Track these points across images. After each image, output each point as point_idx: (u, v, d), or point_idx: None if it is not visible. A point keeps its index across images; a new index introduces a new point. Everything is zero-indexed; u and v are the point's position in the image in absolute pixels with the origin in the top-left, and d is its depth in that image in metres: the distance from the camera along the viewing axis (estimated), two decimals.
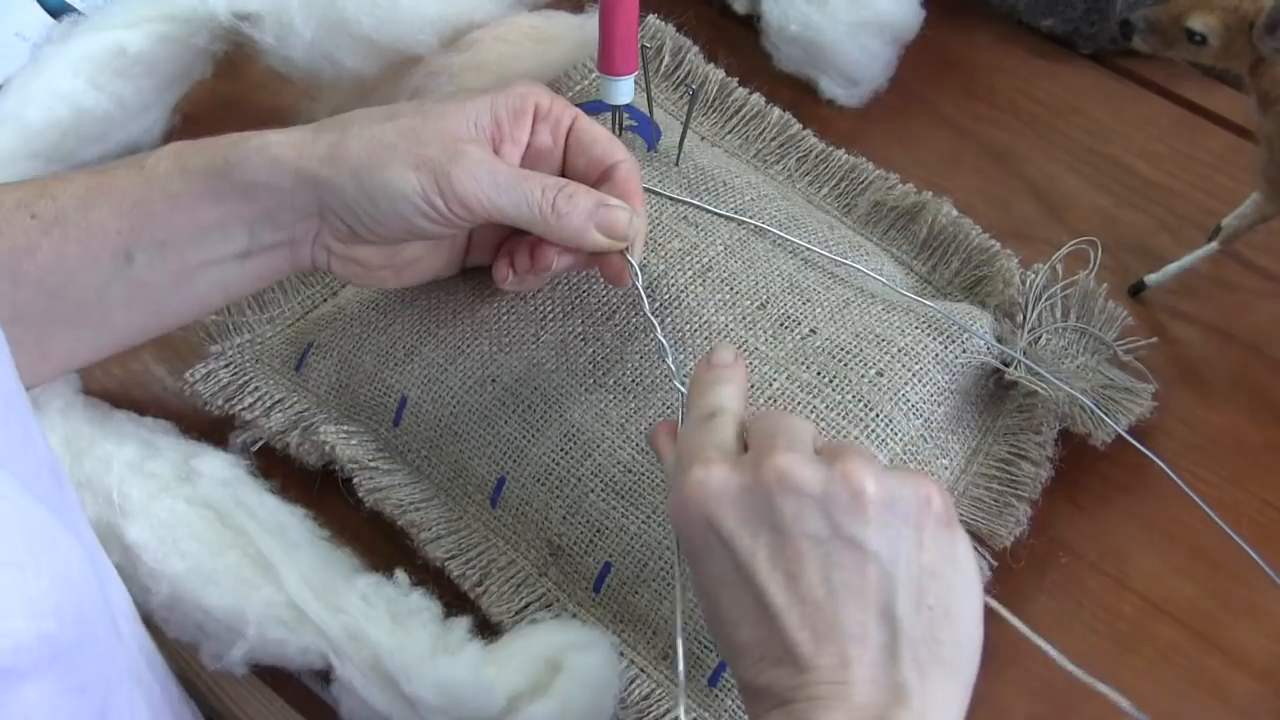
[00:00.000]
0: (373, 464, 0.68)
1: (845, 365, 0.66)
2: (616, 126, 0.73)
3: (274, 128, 0.63)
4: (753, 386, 0.65)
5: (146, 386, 0.73)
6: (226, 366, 0.71)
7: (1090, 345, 0.71)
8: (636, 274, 0.63)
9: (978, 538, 0.66)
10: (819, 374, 0.66)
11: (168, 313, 0.64)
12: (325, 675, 0.61)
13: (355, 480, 0.67)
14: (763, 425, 0.52)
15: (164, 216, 0.61)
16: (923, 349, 0.67)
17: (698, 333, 0.67)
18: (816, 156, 0.79)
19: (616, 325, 0.68)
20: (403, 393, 0.69)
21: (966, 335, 0.68)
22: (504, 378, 0.67)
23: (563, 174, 0.65)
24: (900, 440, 0.65)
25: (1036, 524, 0.66)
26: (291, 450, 0.69)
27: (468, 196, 0.60)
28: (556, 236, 0.62)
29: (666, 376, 0.65)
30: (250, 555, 0.62)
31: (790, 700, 0.47)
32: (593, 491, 0.64)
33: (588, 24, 0.78)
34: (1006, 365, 0.68)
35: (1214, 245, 0.73)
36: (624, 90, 0.71)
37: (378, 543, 0.66)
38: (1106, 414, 0.67)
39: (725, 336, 0.67)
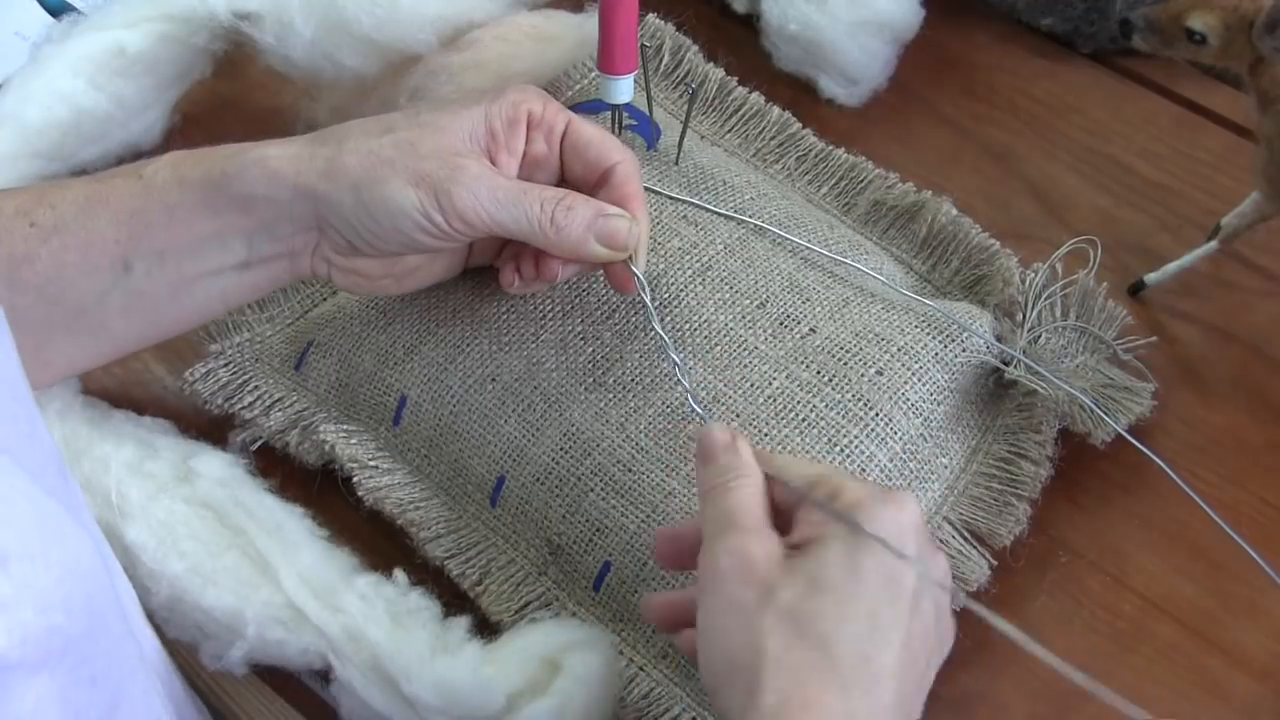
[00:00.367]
0: (372, 463, 0.68)
1: (845, 364, 0.66)
2: (616, 126, 0.73)
3: (274, 127, 0.63)
4: (752, 385, 0.65)
5: (146, 386, 0.73)
6: (226, 366, 0.71)
7: (1090, 344, 0.71)
8: (643, 286, 0.63)
9: (978, 537, 0.66)
10: (819, 373, 0.66)
11: (167, 321, 0.64)
12: (325, 675, 0.61)
13: (355, 479, 0.67)
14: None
15: (162, 227, 0.61)
16: (922, 348, 0.67)
17: (697, 332, 0.67)
18: (816, 156, 0.79)
19: (616, 324, 0.68)
20: (402, 392, 0.69)
21: (966, 334, 0.68)
22: (504, 377, 0.67)
23: (562, 179, 0.65)
24: (900, 439, 0.65)
25: (1036, 523, 0.66)
26: (291, 449, 0.69)
27: (467, 212, 0.60)
28: (556, 249, 0.62)
29: (668, 377, 0.65)
30: (249, 555, 0.62)
31: None
32: (592, 490, 0.64)
33: (587, 23, 0.78)
34: (1006, 364, 0.68)
35: (1214, 244, 0.73)
36: (624, 89, 0.71)
37: (377, 542, 0.66)
38: (1106, 413, 0.67)
39: (725, 335, 0.67)
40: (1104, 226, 0.78)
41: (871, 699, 0.48)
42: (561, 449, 0.65)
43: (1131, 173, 0.82)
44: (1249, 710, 0.63)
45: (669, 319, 0.67)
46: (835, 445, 0.64)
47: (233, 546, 0.62)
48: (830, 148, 0.79)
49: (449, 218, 0.60)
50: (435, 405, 0.68)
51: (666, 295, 0.68)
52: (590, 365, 0.67)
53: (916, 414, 0.66)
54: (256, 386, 0.71)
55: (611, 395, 0.66)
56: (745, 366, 0.66)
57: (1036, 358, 0.68)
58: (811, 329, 0.67)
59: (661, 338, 0.63)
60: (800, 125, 0.80)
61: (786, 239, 0.71)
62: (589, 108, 0.74)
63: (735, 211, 0.71)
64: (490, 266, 0.68)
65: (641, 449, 0.64)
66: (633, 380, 0.66)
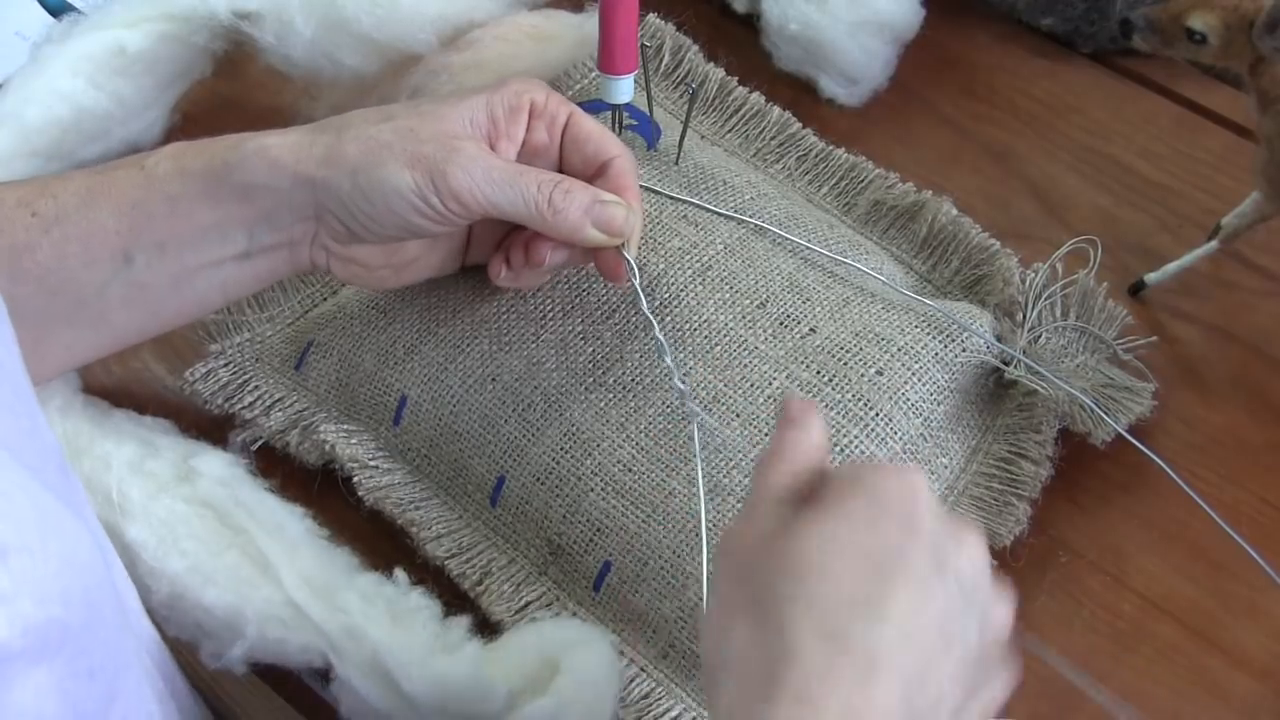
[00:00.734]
0: (372, 463, 0.68)
1: (845, 364, 0.66)
2: (616, 125, 0.73)
3: (274, 126, 0.63)
4: (752, 385, 0.65)
5: (146, 385, 0.73)
6: (226, 365, 0.71)
7: (1090, 344, 0.71)
8: (633, 270, 0.63)
9: None
10: (819, 373, 0.66)
11: (167, 313, 0.64)
12: (325, 674, 0.61)
13: (355, 479, 0.67)
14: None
15: (163, 218, 0.61)
16: (922, 348, 0.67)
17: (697, 331, 0.67)
18: (816, 155, 0.79)
19: (616, 324, 0.68)
20: (402, 391, 0.68)
21: (966, 334, 0.68)
22: (504, 376, 0.67)
23: (559, 170, 0.65)
24: (900, 439, 0.65)
25: (1036, 523, 0.66)
26: (291, 449, 0.69)
27: (462, 192, 0.60)
28: (553, 232, 0.62)
29: (666, 375, 0.65)
30: (249, 554, 0.62)
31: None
32: (593, 490, 0.64)
33: (587, 23, 0.78)
34: (1006, 364, 0.68)
35: (1214, 244, 0.73)
36: (624, 89, 0.71)
37: (377, 542, 0.66)
38: (1106, 413, 0.67)
39: (725, 335, 0.67)
40: (1104, 226, 0.78)
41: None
42: (562, 449, 0.65)
43: (1132, 173, 0.82)
44: (1249, 710, 0.63)
45: (669, 319, 0.67)
46: (835, 445, 0.64)
47: (233, 545, 0.62)
48: (830, 148, 0.79)
49: (444, 198, 0.60)
50: (435, 405, 0.68)
51: (666, 295, 0.68)
52: (590, 365, 0.67)
53: (916, 414, 0.66)
54: (257, 386, 0.71)
55: (612, 395, 0.66)
56: (745, 366, 0.66)
57: (1036, 358, 0.68)
58: (811, 329, 0.67)
59: (648, 319, 0.63)
60: (800, 125, 0.80)
61: (787, 239, 0.71)
62: (589, 108, 0.74)
63: (735, 211, 0.71)
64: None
65: (642, 449, 0.64)
66: (633, 380, 0.66)
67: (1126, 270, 0.76)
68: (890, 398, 0.65)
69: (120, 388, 0.72)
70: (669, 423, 0.65)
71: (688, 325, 0.67)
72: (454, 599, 0.64)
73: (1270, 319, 0.75)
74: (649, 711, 0.61)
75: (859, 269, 0.70)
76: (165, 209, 0.61)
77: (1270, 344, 0.74)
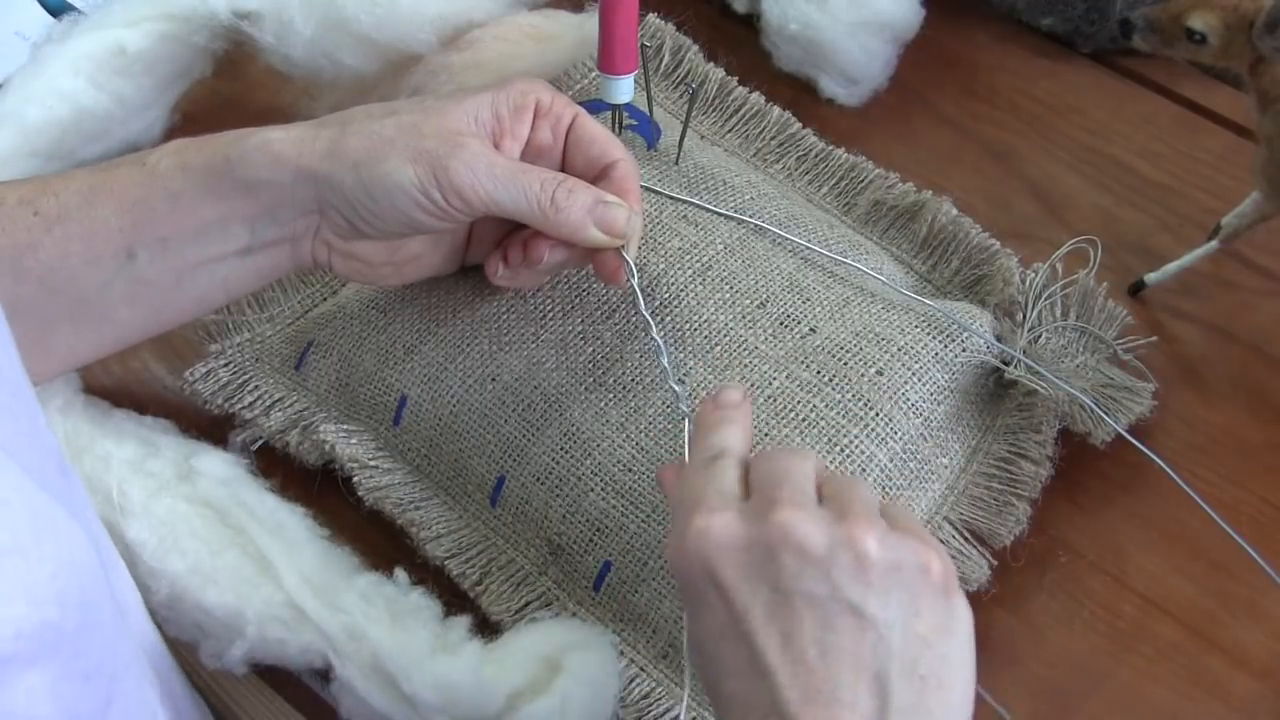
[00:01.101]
0: (372, 463, 0.68)
1: (845, 364, 0.66)
2: (616, 125, 0.73)
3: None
4: (752, 385, 0.65)
5: (146, 385, 0.73)
6: (226, 365, 0.72)
7: (1090, 344, 0.71)
8: (632, 272, 0.63)
9: (978, 537, 0.66)
10: (819, 373, 0.66)
11: (170, 310, 0.64)
12: (325, 674, 0.61)
13: (355, 479, 0.67)
14: (766, 470, 0.52)
15: (165, 214, 0.61)
16: (922, 348, 0.67)
17: (697, 331, 0.67)
18: (816, 155, 0.79)
19: (616, 324, 0.68)
20: (402, 391, 0.69)
21: (966, 334, 0.68)
22: (504, 376, 0.67)
23: (561, 171, 0.65)
24: (900, 439, 0.65)
25: (1036, 523, 0.66)
26: (291, 449, 0.69)
27: (464, 189, 0.60)
28: (554, 231, 0.62)
29: (663, 376, 0.65)
30: (250, 554, 0.62)
31: None
32: (592, 490, 0.64)
33: (587, 23, 0.78)
34: (1006, 364, 0.68)
35: (1214, 244, 0.73)
36: (624, 89, 0.71)
37: (377, 541, 0.66)
38: (1106, 413, 0.67)
39: (725, 335, 0.67)
40: (1104, 226, 0.78)
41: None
42: (561, 449, 0.65)
43: (1132, 172, 0.82)
44: (1249, 710, 0.63)
45: (669, 319, 0.67)
46: (835, 445, 0.64)
47: (233, 545, 0.62)
48: (830, 148, 0.79)
49: (446, 194, 0.60)
50: (435, 405, 0.68)
51: (666, 295, 0.68)
52: (590, 365, 0.67)
53: (916, 414, 0.66)
54: (257, 386, 0.71)
55: (612, 395, 0.66)
56: (745, 366, 0.66)
57: (1036, 358, 0.68)
58: (811, 329, 0.67)
59: (645, 319, 0.63)
60: (800, 125, 0.80)
61: (786, 239, 0.71)
62: (589, 108, 0.74)
63: (735, 211, 0.71)
64: None
65: (642, 449, 0.64)
66: (633, 380, 0.66)
67: (1126, 270, 0.76)
68: (890, 398, 0.65)
69: (120, 387, 0.72)
70: (669, 423, 0.65)
71: (688, 325, 0.67)
72: (454, 599, 0.64)
73: (1270, 319, 0.75)
74: (649, 711, 0.61)
75: (859, 269, 0.70)
76: (167, 205, 0.61)
77: (1270, 344, 0.74)
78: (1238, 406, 0.72)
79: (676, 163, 0.74)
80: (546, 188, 0.61)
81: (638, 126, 0.74)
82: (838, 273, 0.70)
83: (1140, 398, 0.69)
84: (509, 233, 0.66)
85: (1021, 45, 0.89)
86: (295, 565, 0.61)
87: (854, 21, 0.82)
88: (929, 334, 0.68)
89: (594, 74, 0.78)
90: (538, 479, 0.65)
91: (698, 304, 0.68)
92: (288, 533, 0.63)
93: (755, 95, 0.81)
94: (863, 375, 0.66)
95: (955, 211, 0.74)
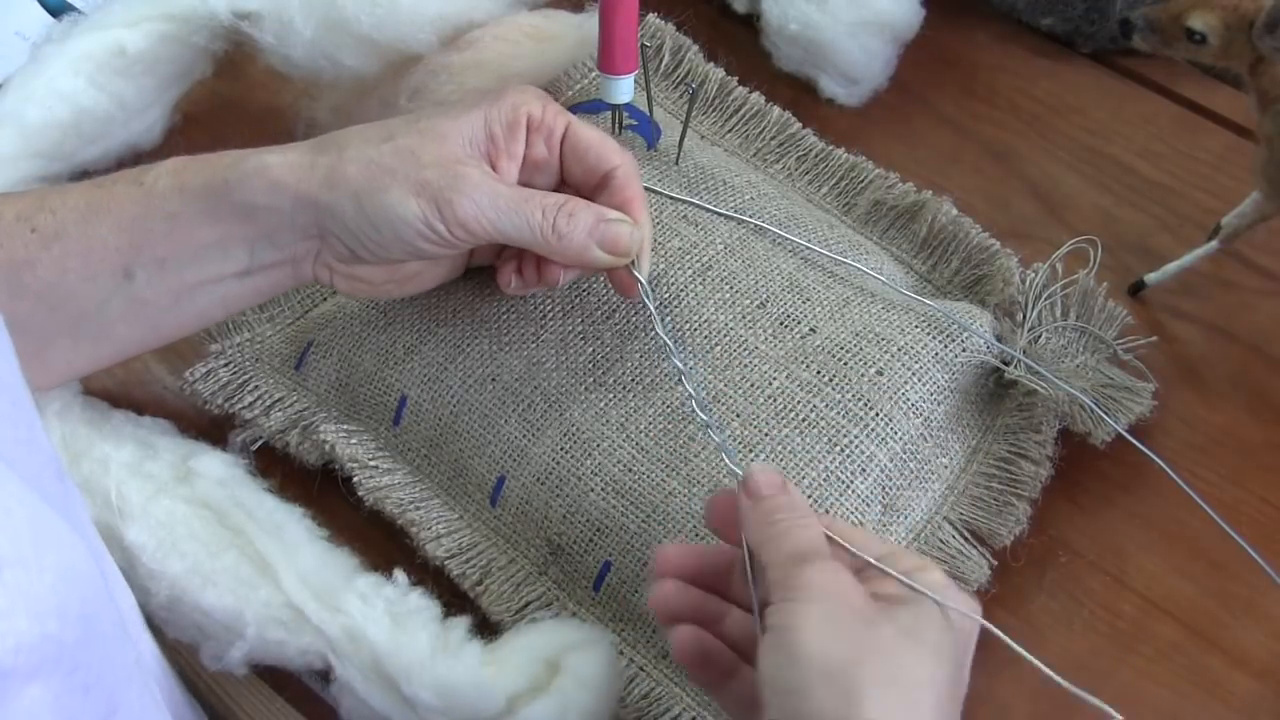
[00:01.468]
0: (372, 463, 0.68)
1: (845, 364, 0.66)
2: (616, 125, 0.73)
3: (274, 126, 0.63)
4: (752, 385, 0.65)
5: (146, 386, 0.73)
6: (226, 365, 0.72)
7: (1090, 344, 0.71)
8: (647, 292, 0.63)
9: (978, 537, 0.66)
10: (819, 373, 0.66)
11: (168, 327, 0.64)
12: (325, 675, 0.61)
13: (355, 479, 0.67)
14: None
15: (163, 235, 0.60)
16: (922, 348, 0.67)
17: (697, 331, 0.67)
18: (816, 155, 0.79)
19: (616, 324, 0.68)
20: (402, 391, 0.69)
21: (966, 334, 0.68)
22: (504, 376, 0.67)
23: (561, 181, 0.65)
24: (900, 439, 0.65)
25: (1036, 523, 0.66)
26: (291, 449, 0.69)
27: (469, 221, 0.60)
28: (559, 257, 0.62)
29: (669, 377, 0.65)
30: (249, 555, 0.62)
31: None
32: (593, 490, 0.64)
33: (587, 23, 0.78)
34: (1006, 364, 0.68)
35: (1214, 244, 0.73)
36: (624, 89, 0.71)
37: (377, 542, 0.66)
38: (1106, 413, 0.67)
39: (725, 335, 0.67)
40: (1104, 226, 0.78)
41: None
42: (562, 449, 0.65)
43: (1132, 173, 0.82)
44: (1249, 710, 0.63)
45: (669, 319, 0.67)
46: (835, 445, 0.64)
47: (232, 547, 0.62)
48: (830, 148, 0.79)
49: (451, 226, 0.60)
50: (435, 405, 0.68)
51: (666, 295, 0.68)
52: (590, 365, 0.67)
53: (917, 414, 0.66)
54: (256, 386, 0.71)
55: (612, 395, 0.66)
56: (745, 366, 0.66)
57: (1036, 358, 0.68)
58: (812, 329, 0.67)
59: (666, 344, 0.63)
60: (800, 125, 0.80)
61: (787, 239, 0.71)
62: (589, 108, 0.74)
63: (735, 211, 0.71)
64: (491, 267, 0.68)
65: (642, 449, 0.64)
66: (633, 380, 0.66)
67: (1126, 270, 0.76)
68: (890, 398, 0.65)
69: (120, 388, 0.72)
70: (669, 423, 0.65)
71: (688, 325, 0.67)
72: (454, 599, 0.64)
73: (1270, 319, 0.75)
74: (649, 711, 0.61)
75: (859, 269, 0.70)
76: (165, 226, 0.60)
77: (1270, 344, 0.74)
78: (1238, 406, 0.72)
79: (676, 163, 0.74)
80: (548, 215, 0.61)
81: (638, 126, 0.74)
82: (838, 273, 0.70)
83: (1140, 398, 0.69)
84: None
85: (1021, 45, 0.89)
86: (294, 566, 0.61)
87: (854, 21, 0.82)
88: (929, 334, 0.68)
89: (594, 74, 0.78)
90: (538, 479, 0.65)
91: (698, 304, 0.68)
92: (286, 534, 0.63)
93: (755, 95, 0.81)
94: (863, 375, 0.66)
95: (955, 211, 0.74)
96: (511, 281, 0.65)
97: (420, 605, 0.61)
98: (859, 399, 0.65)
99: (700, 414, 0.60)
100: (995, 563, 0.65)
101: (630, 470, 0.64)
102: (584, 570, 0.65)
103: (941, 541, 0.65)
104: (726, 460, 0.58)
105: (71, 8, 0.88)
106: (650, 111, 0.75)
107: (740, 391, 0.65)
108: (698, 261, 0.69)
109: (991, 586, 0.64)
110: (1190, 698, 0.63)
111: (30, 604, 0.36)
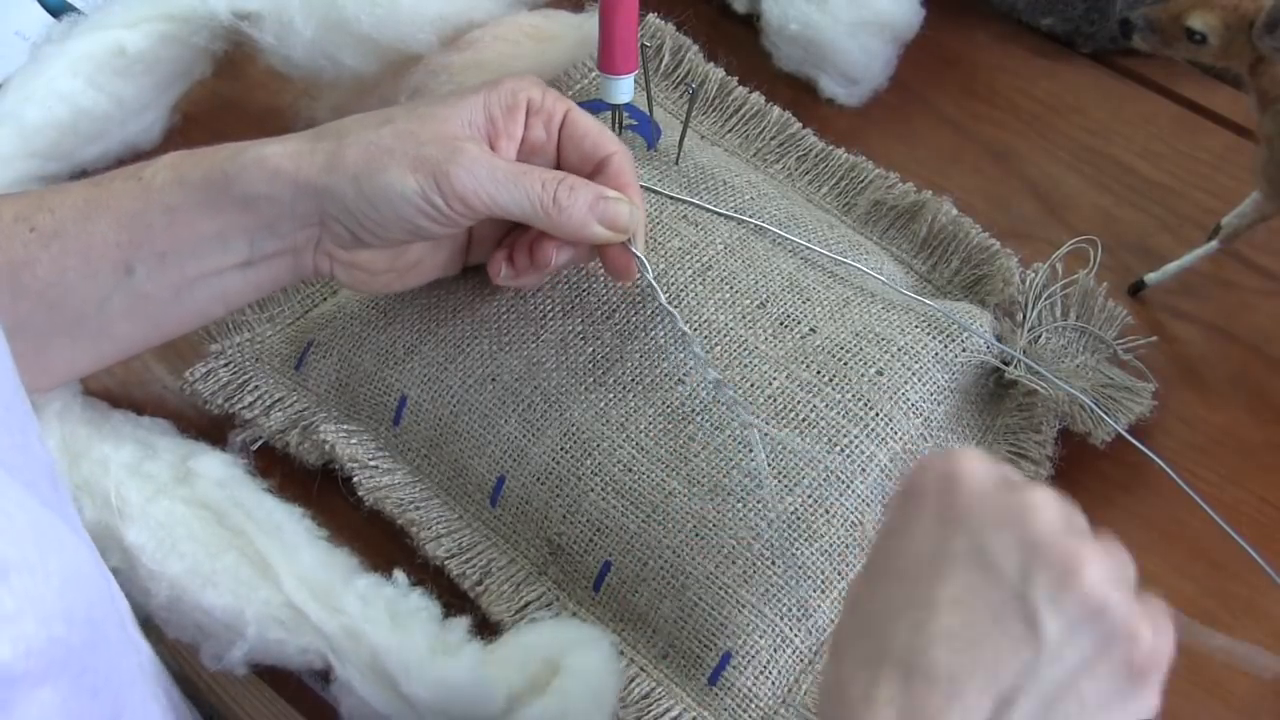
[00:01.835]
0: (372, 463, 0.68)
1: (845, 364, 0.66)
2: (616, 125, 0.73)
3: (274, 127, 0.63)
4: (752, 385, 0.65)
5: (146, 386, 0.73)
6: (226, 365, 0.71)
7: (1090, 344, 0.71)
8: (645, 266, 0.64)
9: None
10: (819, 373, 0.66)
11: (169, 323, 0.64)
12: (325, 675, 0.61)
13: (355, 479, 0.67)
14: None
15: (163, 229, 0.61)
16: (922, 348, 0.67)
17: (698, 331, 0.67)
18: (816, 155, 0.79)
19: (616, 324, 0.68)
20: (402, 391, 0.68)
21: (966, 334, 0.68)
22: (504, 376, 0.67)
23: (557, 167, 0.65)
24: (900, 439, 0.65)
25: None
26: (291, 449, 0.69)
27: (467, 194, 0.60)
28: (558, 230, 0.62)
29: (669, 377, 0.65)
30: (248, 555, 0.62)
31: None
32: (593, 490, 0.64)
33: (587, 23, 0.78)
34: (1006, 364, 0.68)
35: (1214, 244, 0.73)
36: (624, 89, 0.71)
37: (377, 542, 0.66)
38: (1106, 413, 0.67)
39: (725, 335, 0.67)
40: (1104, 226, 0.78)
41: None
42: (561, 449, 0.65)
43: (1132, 173, 0.82)
44: (1249, 710, 0.63)
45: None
46: (835, 445, 0.64)
47: (232, 547, 0.62)
48: (830, 148, 0.79)
49: (449, 200, 0.60)
50: (435, 405, 0.68)
51: (666, 295, 0.68)
52: (590, 365, 0.67)
53: (917, 414, 0.66)
54: (256, 386, 0.71)
55: (612, 395, 0.66)
56: (745, 366, 0.66)
57: (1036, 358, 0.68)
58: (812, 329, 0.67)
59: (668, 310, 0.63)
60: (800, 125, 0.80)
61: (787, 239, 0.71)
62: (589, 108, 0.74)
63: (735, 211, 0.71)
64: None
65: (642, 449, 0.64)
66: (633, 380, 0.66)
67: (1126, 270, 0.76)
68: (890, 398, 0.65)
69: (120, 388, 0.72)
70: (669, 423, 0.65)
71: (688, 325, 0.67)
72: (454, 599, 0.64)
73: (1270, 319, 0.75)
74: (649, 711, 0.61)
75: (859, 269, 0.70)
76: (164, 220, 0.60)
77: (1270, 344, 0.74)
78: (1238, 406, 0.72)
79: (676, 163, 0.74)
80: (548, 187, 0.61)
81: (638, 126, 0.74)
82: (838, 273, 0.70)
83: (1140, 398, 0.69)
84: (509, 232, 0.67)
85: (1021, 45, 0.89)
86: (294, 566, 0.61)
87: (854, 21, 0.82)
88: (929, 334, 0.68)
89: (594, 74, 0.78)
90: (538, 479, 0.65)
91: (698, 304, 0.68)
92: (286, 534, 0.63)
93: (755, 95, 0.81)
94: (863, 375, 0.66)
95: (955, 211, 0.74)
96: (501, 270, 0.65)
97: (420, 605, 0.61)
98: (859, 399, 0.65)
99: (711, 373, 0.61)
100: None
101: (630, 470, 0.64)
102: (584, 570, 0.65)
103: None
104: (741, 419, 0.58)
105: (71, 8, 0.88)
106: (650, 111, 0.75)
107: (740, 391, 0.65)
108: (698, 261, 0.69)
109: None
110: (1190, 698, 0.63)
111: (37, 608, 0.36)
